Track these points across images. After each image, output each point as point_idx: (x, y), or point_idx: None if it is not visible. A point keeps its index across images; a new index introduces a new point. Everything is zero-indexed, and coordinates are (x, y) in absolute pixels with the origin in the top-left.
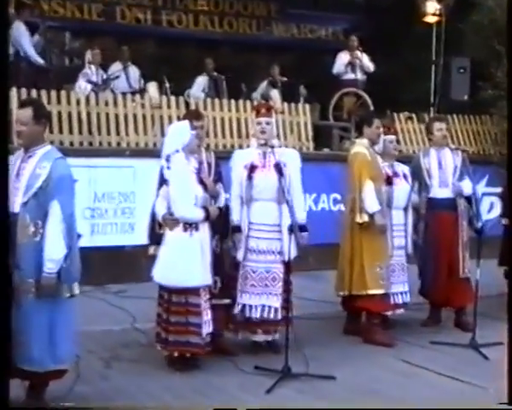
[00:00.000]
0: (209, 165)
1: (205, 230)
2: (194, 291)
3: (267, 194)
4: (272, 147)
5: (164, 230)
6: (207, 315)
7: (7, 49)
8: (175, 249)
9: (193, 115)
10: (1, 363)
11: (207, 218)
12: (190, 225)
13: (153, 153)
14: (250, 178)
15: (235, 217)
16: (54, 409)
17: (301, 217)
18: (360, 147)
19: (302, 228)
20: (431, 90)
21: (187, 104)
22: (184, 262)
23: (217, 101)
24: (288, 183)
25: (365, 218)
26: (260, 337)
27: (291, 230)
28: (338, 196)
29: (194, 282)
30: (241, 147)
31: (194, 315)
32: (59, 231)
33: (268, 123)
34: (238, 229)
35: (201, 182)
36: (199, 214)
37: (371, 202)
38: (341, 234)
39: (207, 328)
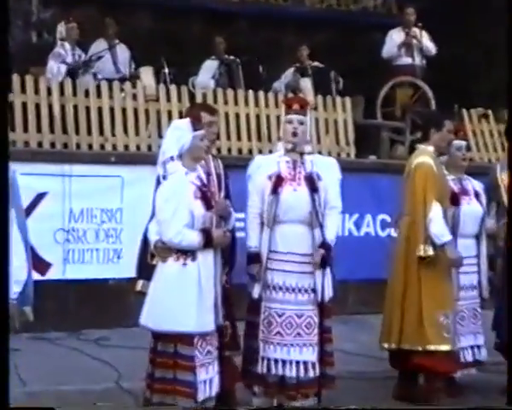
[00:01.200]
0: (218, 176)
1: (207, 260)
2: (187, 339)
3: (296, 214)
4: (303, 154)
5: (157, 261)
6: (207, 372)
7: (7, 50)
8: (164, 285)
9: (201, 109)
10: (1, 363)
11: (209, 243)
12: (185, 254)
13: (146, 159)
14: (275, 192)
15: (253, 242)
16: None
17: (329, 237)
18: (425, 156)
19: (325, 248)
20: None
21: (192, 96)
22: (175, 301)
23: (230, 92)
24: (323, 200)
25: (430, 251)
26: (299, 403)
27: (324, 262)
28: (387, 218)
29: (186, 326)
30: (260, 152)
31: (184, 370)
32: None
33: (302, 122)
34: (256, 258)
35: (203, 197)
36: (193, 239)
37: (441, 230)
38: (391, 268)
39: (207, 389)
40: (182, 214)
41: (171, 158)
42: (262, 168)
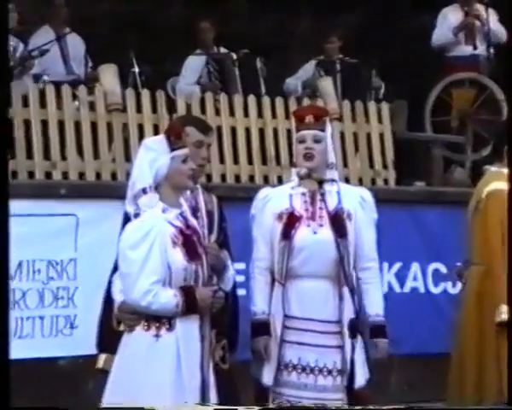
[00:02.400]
0: (209, 215)
1: (190, 330)
2: None
3: (318, 266)
4: (323, 182)
5: (123, 328)
6: None
7: (7, 52)
8: (131, 364)
9: (189, 123)
10: (1, 363)
11: (191, 307)
12: (158, 321)
13: (110, 191)
14: (288, 237)
15: (259, 305)
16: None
17: (375, 310)
18: (499, 182)
19: (378, 330)
20: None
21: (171, 104)
22: (143, 387)
23: (223, 98)
24: (353, 248)
25: None
26: None
27: (355, 331)
28: (442, 268)
29: None
30: (266, 181)
31: None
32: None
33: (318, 140)
34: (264, 328)
35: (186, 243)
36: (168, 300)
37: None
38: (455, 339)
39: None
40: (153, 266)
41: (144, 190)
42: (270, 204)
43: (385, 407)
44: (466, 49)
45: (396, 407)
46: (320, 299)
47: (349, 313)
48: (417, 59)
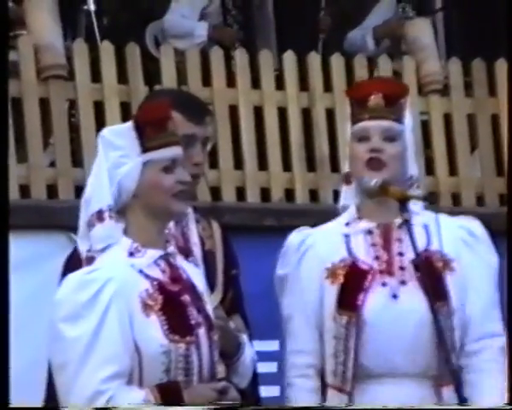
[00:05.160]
0: (209, 258)
1: None
2: None
3: (406, 358)
4: (405, 204)
5: None
6: None
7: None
8: None
9: (174, 105)
10: (1, 363)
11: None
12: None
13: (46, 215)
14: (351, 307)
15: None
16: (53, 409)
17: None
18: None
19: None
20: None
21: (150, 67)
22: None
23: (242, 55)
24: (458, 319)
25: None
26: None
27: None
28: None
29: None
30: (315, 198)
31: None
32: None
33: (391, 136)
34: None
35: (168, 308)
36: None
37: None
38: None
39: None
40: (108, 350)
41: (99, 214)
42: (312, 254)
43: (385, 407)
44: None
45: (396, 406)
46: None
47: None
48: None
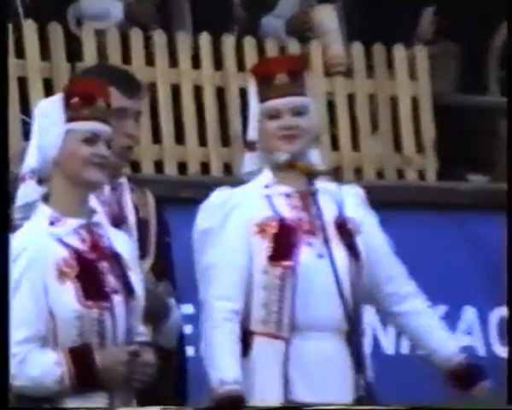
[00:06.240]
0: (143, 226)
1: None
2: None
3: (332, 314)
4: (313, 175)
5: None
6: None
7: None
8: None
9: (106, 79)
10: (1, 362)
11: (89, 382)
12: (39, 400)
13: None
14: (286, 258)
15: (229, 371)
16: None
17: (455, 350)
18: None
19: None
20: None
21: (73, 45)
22: None
23: (160, 36)
24: (369, 276)
25: None
26: None
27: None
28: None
29: None
30: (229, 171)
31: None
32: None
33: (300, 111)
34: (237, 405)
35: (85, 274)
36: (44, 370)
37: None
38: None
39: None
40: (22, 314)
41: (23, 176)
42: (238, 211)
43: (384, 407)
44: None
45: (396, 407)
46: (336, 367)
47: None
48: None
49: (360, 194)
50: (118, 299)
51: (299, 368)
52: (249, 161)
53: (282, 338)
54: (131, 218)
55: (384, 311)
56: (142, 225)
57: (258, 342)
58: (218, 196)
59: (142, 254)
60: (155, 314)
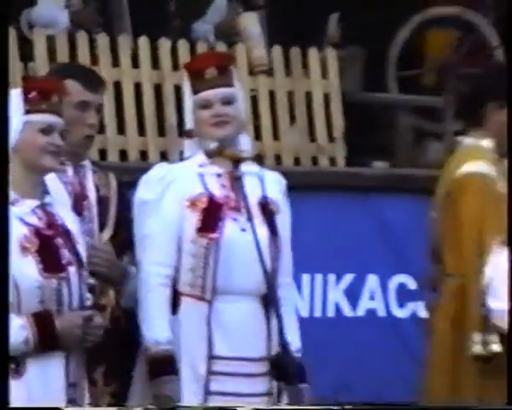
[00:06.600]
0: (103, 202)
1: (51, 374)
2: None
3: (247, 280)
4: (240, 160)
5: None
6: None
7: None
8: None
9: (71, 75)
10: (1, 363)
11: (50, 343)
12: None
13: None
14: (212, 230)
15: (161, 331)
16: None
17: (296, 344)
18: (479, 161)
19: (300, 372)
20: None
21: (25, 47)
22: None
23: (103, 39)
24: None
25: (495, 346)
26: None
27: (283, 372)
28: (409, 283)
29: None
30: (164, 157)
31: None
32: None
33: (229, 100)
34: (170, 364)
35: (44, 250)
36: (12, 334)
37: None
38: (427, 380)
39: None
40: None
41: None
42: (174, 187)
43: (384, 407)
44: None
45: (395, 407)
46: (252, 327)
47: (276, 346)
48: None
49: (283, 182)
50: (72, 270)
51: (220, 327)
52: (188, 146)
53: (206, 300)
54: (92, 195)
55: None
56: (102, 201)
57: (186, 303)
58: (158, 170)
59: (102, 226)
60: (114, 278)
